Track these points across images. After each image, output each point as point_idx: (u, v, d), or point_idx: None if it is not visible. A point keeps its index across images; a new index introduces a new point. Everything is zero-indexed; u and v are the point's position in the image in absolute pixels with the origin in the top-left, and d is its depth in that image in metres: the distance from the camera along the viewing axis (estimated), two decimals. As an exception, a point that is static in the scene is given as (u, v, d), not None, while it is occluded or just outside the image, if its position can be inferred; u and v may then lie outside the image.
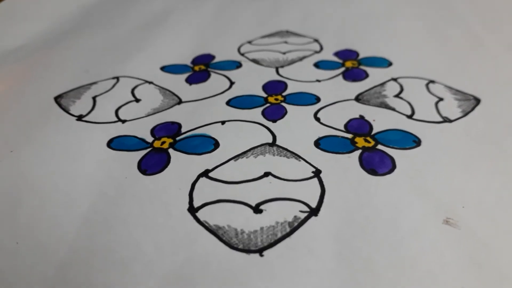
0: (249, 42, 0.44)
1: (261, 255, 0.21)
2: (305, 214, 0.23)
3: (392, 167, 0.26)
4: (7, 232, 0.23)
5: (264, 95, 0.34)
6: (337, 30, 0.45)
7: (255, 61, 0.40)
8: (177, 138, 0.30)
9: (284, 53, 0.41)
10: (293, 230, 0.22)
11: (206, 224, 0.23)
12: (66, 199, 0.25)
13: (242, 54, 0.42)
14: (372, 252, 0.21)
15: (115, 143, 0.30)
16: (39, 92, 0.36)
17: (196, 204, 0.24)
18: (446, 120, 0.31)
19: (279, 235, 0.22)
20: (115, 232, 0.23)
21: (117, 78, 0.37)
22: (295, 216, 0.23)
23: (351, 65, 0.38)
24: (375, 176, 0.25)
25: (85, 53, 0.42)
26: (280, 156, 0.28)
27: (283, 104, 0.33)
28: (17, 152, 0.28)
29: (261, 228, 0.22)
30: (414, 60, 0.38)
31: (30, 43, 0.46)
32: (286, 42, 0.44)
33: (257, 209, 0.24)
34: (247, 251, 0.21)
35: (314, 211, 0.23)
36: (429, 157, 0.27)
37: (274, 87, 0.35)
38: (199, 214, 0.24)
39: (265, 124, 0.31)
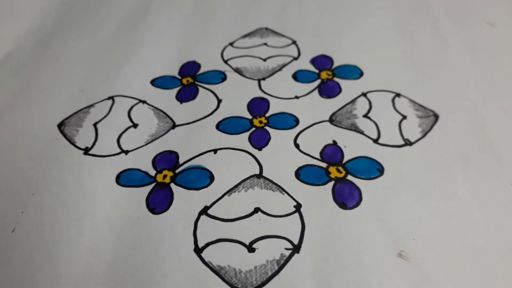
0: (231, 44, 0.47)
1: None
2: (289, 252, 0.29)
3: (359, 199, 0.32)
4: (48, 283, 0.28)
5: (249, 116, 0.39)
6: (314, 27, 0.48)
7: (238, 70, 0.44)
8: (177, 171, 0.35)
9: (265, 60, 0.45)
10: (280, 268, 0.29)
11: (211, 265, 0.29)
12: (92, 245, 0.30)
13: (226, 61, 0.45)
14: (342, 287, 0.27)
15: (122, 179, 0.34)
16: (42, 119, 0.39)
17: (200, 243, 0.30)
18: (407, 143, 0.36)
19: (270, 273, 0.28)
20: (139, 276, 0.28)
21: (112, 99, 0.41)
22: (281, 254, 0.29)
23: (326, 77, 0.42)
24: (345, 210, 0.31)
25: (75, 65, 0.44)
26: (267, 189, 0.33)
27: (267, 127, 0.38)
28: (39, 196, 0.33)
29: (255, 267, 0.29)
30: (383, 67, 0.43)
31: (17, 49, 0.48)
32: (266, 44, 0.47)
33: (250, 248, 0.30)
34: None
35: (296, 248, 0.29)
36: (389, 187, 0.33)
37: (258, 106, 0.40)
38: (204, 254, 0.29)
39: (252, 153, 0.36)
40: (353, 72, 0.42)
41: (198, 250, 0.29)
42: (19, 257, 0.29)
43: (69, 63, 0.45)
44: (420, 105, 0.39)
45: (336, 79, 0.42)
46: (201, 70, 0.44)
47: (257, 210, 0.31)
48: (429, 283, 0.27)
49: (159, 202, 0.32)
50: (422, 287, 0.27)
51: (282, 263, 0.28)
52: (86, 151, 0.36)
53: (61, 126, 0.38)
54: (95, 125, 0.38)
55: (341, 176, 0.33)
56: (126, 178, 0.34)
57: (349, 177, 0.33)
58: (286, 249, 0.29)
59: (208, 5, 0.52)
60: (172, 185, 0.33)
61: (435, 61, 0.43)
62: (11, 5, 0.53)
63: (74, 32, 0.50)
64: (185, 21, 0.50)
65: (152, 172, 0.35)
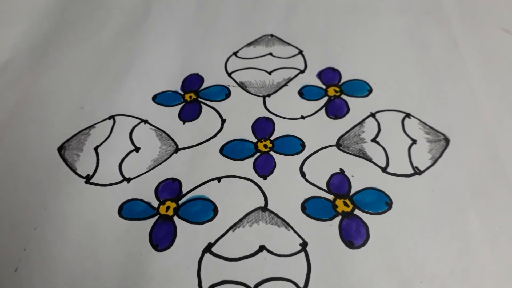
0: (235, 54, 0.45)
1: None
2: (295, 296, 0.29)
3: (366, 237, 0.31)
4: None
5: (254, 139, 0.38)
6: (321, 34, 0.46)
7: (242, 85, 0.42)
8: (180, 202, 0.34)
9: (270, 73, 0.43)
10: (286, 314, 0.28)
11: (215, 311, 0.29)
12: (96, 284, 0.30)
13: (230, 74, 0.43)
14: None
15: (125, 211, 0.34)
16: (42, 141, 0.38)
17: (204, 285, 0.30)
18: (416, 171, 0.35)
19: (275, 320, 0.28)
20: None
21: (113, 119, 0.40)
22: (286, 299, 0.29)
23: (334, 93, 0.41)
24: (352, 250, 0.31)
25: (74, 77, 0.43)
26: (272, 224, 0.32)
27: (272, 153, 0.37)
28: (41, 230, 0.33)
29: (260, 313, 0.28)
30: (393, 82, 0.41)
31: (13, 57, 0.46)
32: (271, 54, 0.45)
33: (255, 291, 0.29)
34: None
35: (302, 292, 0.29)
36: (397, 223, 0.32)
37: (263, 127, 0.38)
38: (208, 298, 0.29)
39: (257, 182, 0.35)
40: (362, 89, 0.41)
41: (202, 293, 0.29)
42: (22, 299, 0.29)
43: (67, 75, 0.44)
44: (431, 127, 0.38)
45: (344, 97, 0.40)
46: (204, 85, 0.43)
47: (262, 248, 0.31)
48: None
49: (162, 237, 0.32)
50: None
51: (288, 309, 0.28)
52: (88, 179, 0.35)
53: (61, 150, 0.38)
54: (96, 149, 0.37)
55: (348, 211, 0.32)
56: (129, 210, 0.34)
57: (356, 211, 0.33)
58: (292, 293, 0.29)
59: (210, 8, 0.50)
60: (176, 218, 0.33)
61: (448, 74, 0.42)
62: (6, 9, 0.51)
63: (71, 38, 0.48)
64: (187, 25, 0.49)
65: (155, 203, 0.34)
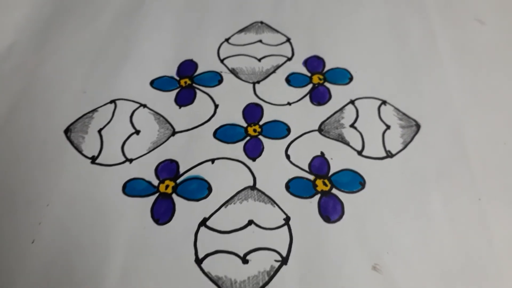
0: (227, 40, 0.49)
1: None
2: (278, 263, 0.34)
3: (342, 213, 0.36)
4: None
5: (244, 124, 0.42)
6: (307, 22, 0.50)
7: (234, 72, 0.46)
8: (178, 181, 0.38)
9: (260, 60, 0.47)
10: (270, 279, 0.33)
11: (210, 276, 0.33)
12: (105, 255, 0.34)
13: (222, 61, 0.47)
14: (322, 298, 0.32)
15: (128, 189, 0.38)
16: (49, 124, 0.42)
17: (200, 254, 0.34)
18: (388, 155, 0.39)
19: (261, 284, 0.33)
20: (150, 283, 0.33)
21: (115, 103, 0.43)
22: (271, 266, 0.34)
23: (318, 81, 0.44)
24: (328, 224, 0.35)
25: (75, 62, 0.46)
26: (260, 201, 0.37)
27: (260, 137, 0.41)
28: (53, 207, 0.37)
29: (248, 278, 0.33)
30: (372, 71, 0.45)
31: (17, 41, 0.49)
32: (261, 41, 0.48)
33: (244, 260, 0.34)
34: None
35: (284, 260, 0.34)
36: (369, 201, 0.36)
37: (252, 113, 0.42)
38: (203, 265, 0.34)
39: (247, 163, 0.39)
40: (344, 77, 0.45)
41: (198, 261, 0.34)
42: (40, 268, 0.33)
43: (69, 60, 0.47)
44: (404, 114, 0.42)
45: (326, 84, 0.44)
46: (198, 70, 0.46)
47: (250, 222, 0.35)
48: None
49: (162, 213, 0.36)
50: (392, 299, 0.32)
51: (272, 274, 0.33)
52: (93, 160, 0.39)
53: (67, 132, 0.41)
54: (99, 131, 0.41)
55: (327, 190, 0.37)
56: (132, 188, 0.38)
57: (334, 190, 0.37)
58: (276, 261, 0.34)
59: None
60: (174, 196, 0.37)
61: (424, 64, 0.46)
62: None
63: (71, 24, 0.51)
64: (181, 12, 0.51)
65: (155, 182, 0.38)
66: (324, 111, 0.42)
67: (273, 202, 0.36)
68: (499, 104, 0.42)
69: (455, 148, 0.39)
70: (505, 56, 0.46)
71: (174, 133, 0.41)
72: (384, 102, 0.42)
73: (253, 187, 0.37)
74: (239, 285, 0.32)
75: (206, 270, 0.33)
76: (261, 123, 0.41)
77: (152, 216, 0.36)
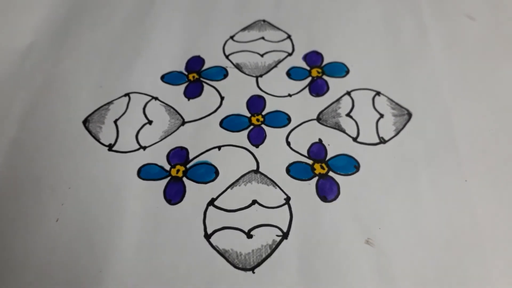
0: (232, 38, 0.52)
1: (253, 272, 0.36)
2: (280, 238, 0.37)
3: (337, 193, 0.39)
4: (92, 261, 0.37)
5: (248, 114, 0.45)
6: (307, 20, 0.53)
7: (238, 66, 0.49)
8: (188, 166, 0.42)
9: (262, 56, 0.50)
10: (272, 251, 0.37)
11: (217, 249, 0.37)
12: (122, 232, 0.38)
13: (227, 56, 0.50)
14: (320, 268, 0.35)
15: (143, 173, 0.42)
16: (68, 116, 0.45)
17: (209, 230, 0.38)
18: (381, 141, 0.43)
19: (264, 256, 0.36)
20: (163, 256, 0.36)
21: (129, 96, 0.47)
22: (273, 240, 0.37)
23: (316, 74, 0.48)
24: (325, 203, 0.39)
25: (91, 59, 0.50)
26: (262, 183, 0.40)
27: (263, 126, 0.44)
28: (74, 190, 0.40)
29: (252, 251, 0.37)
30: (368, 65, 0.48)
31: (37, 40, 0.53)
32: (263, 38, 0.52)
33: (249, 235, 0.37)
34: (245, 269, 0.36)
35: (285, 235, 0.37)
36: (363, 183, 0.40)
37: (256, 104, 0.46)
38: (212, 240, 0.37)
39: (250, 150, 0.43)
40: (340, 70, 0.48)
41: (207, 236, 0.37)
42: (64, 243, 0.37)
43: (86, 57, 0.51)
44: (397, 104, 0.45)
45: (325, 77, 0.48)
46: (205, 66, 0.50)
47: (254, 202, 0.39)
48: (391, 266, 0.35)
49: (174, 194, 0.40)
50: (385, 270, 0.35)
51: (274, 247, 0.36)
52: (110, 147, 0.43)
53: (85, 122, 0.45)
54: (115, 122, 0.45)
55: (324, 173, 0.40)
56: (146, 173, 0.41)
57: (331, 173, 0.40)
58: (277, 235, 0.37)
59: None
60: (184, 179, 0.41)
61: (416, 58, 0.49)
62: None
63: (87, 23, 0.54)
64: (189, 11, 0.55)
65: (167, 167, 0.42)
66: (322, 101, 0.46)
67: (274, 184, 0.40)
68: (485, 94, 0.45)
69: (444, 134, 0.43)
70: (492, 50, 0.49)
71: (183, 123, 0.45)
72: (378, 93, 0.46)
73: (257, 171, 0.41)
74: (244, 257, 0.36)
75: (214, 244, 0.37)
76: (263, 113, 0.45)
77: (165, 197, 0.40)
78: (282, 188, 0.39)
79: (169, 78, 0.48)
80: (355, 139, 0.42)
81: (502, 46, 0.50)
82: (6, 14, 0.55)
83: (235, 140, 0.43)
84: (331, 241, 0.36)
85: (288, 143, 0.42)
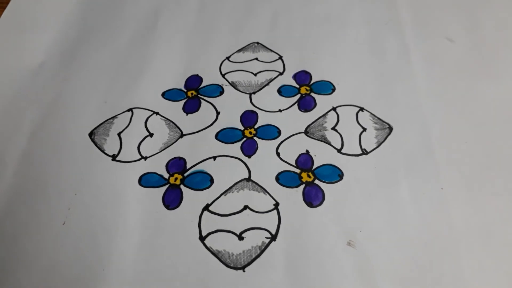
0: (228, 58, 0.57)
1: (244, 271, 0.39)
2: (268, 240, 0.41)
3: (322, 199, 0.43)
4: (96, 261, 0.40)
5: (242, 127, 0.49)
6: (298, 41, 0.57)
7: (233, 84, 0.53)
8: (185, 175, 0.45)
9: (255, 75, 0.54)
10: (261, 252, 0.40)
11: (211, 250, 0.40)
12: (124, 234, 0.41)
13: (223, 75, 0.55)
14: (305, 268, 0.38)
15: (143, 181, 0.45)
16: (76, 128, 0.49)
17: (203, 233, 0.41)
18: (364, 152, 0.46)
19: (253, 256, 0.40)
20: (161, 256, 0.40)
21: (132, 111, 0.51)
22: (262, 242, 0.40)
23: (305, 92, 0.52)
24: (311, 208, 0.42)
25: (98, 77, 0.54)
26: (254, 190, 0.44)
27: (255, 138, 0.48)
28: (80, 195, 0.44)
29: (243, 251, 0.40)
30: (352, 83, 0.52)
31: (48, 59, 0.57)
32: (257, 59, 0.56)
33: (240, 237, 0.41)
34: (236, 268, 0.39)
35: (274, 237, 0.41)
36: (346, 190, 0.43)
37: (249, 118, 0.50)
38: (206, 241, 0.41)
39: (243, 160, 0.46)
40: (327, 88, 0.52)
41: (202, 238, 0.41)
42: (70, 244, 0.40)
43: (92, 75, 0.55)
44: (379, 119, 0.49)
45: (313, 94, 0.52)
46: (203, 84, 0.54)
47: (245, 207, 0.42)
48: (371, 267, 0.38)
49: (172, 200, 0.43)
50: (365, 269, 0.38)
51: (263, 248, 0.40)
52: (114, 157, 0.47)
53: (91, 135, 0.49)
54: (119, 134, 0.49)
55: (310, 181, 0.44)
56: (146, 181, 0.45)
57: (316, 181, 0.44)
58: (266, 238, 0.40)
59: (208, 19, 0.61)
60: (182, 186, 0.44)
61: (398, 77, 0.53)
62: (37, 16, 0.62)
63: (93, 44, 0.59)
64: (189, 33, 0.59)
65: (166, 175, 0.45)
66: (310, 116, 0.50)
67: (265, 191, 0.43)
68: (461, 110, 0.49)
69: (422, 146, 0.46)
70: (469, 69, 0.53)
71: (182, 135, 0.48)
72: (361, 109, 0.50)
73: (248, 179, 0.44)
74: (235, 257, 0.39)
75: (208, 246, 0.40)
76: (256, 126, 0.49)
77: (164, 203, 0.43)
78: (272, 194, 0.43)
79: (169, 94, 0.52)
80: (339, 151, 0.46)
81: (478, 66, 0.54)
82: (20, 36, 0.59)
83: (229, 151, 0.46)
84: (315, 243, 0.40)
85: (278, 154, 0.46)
